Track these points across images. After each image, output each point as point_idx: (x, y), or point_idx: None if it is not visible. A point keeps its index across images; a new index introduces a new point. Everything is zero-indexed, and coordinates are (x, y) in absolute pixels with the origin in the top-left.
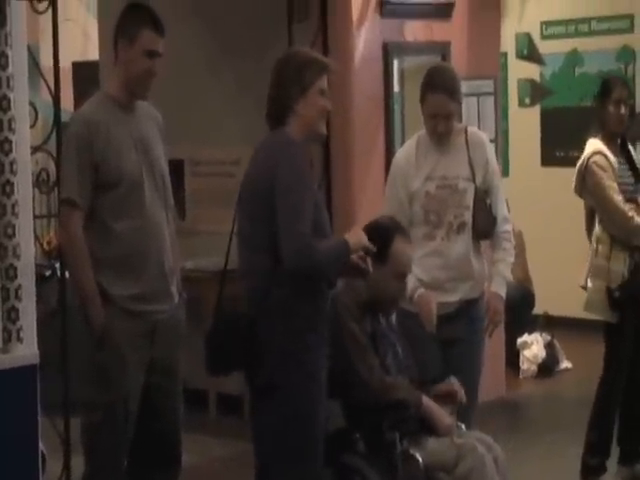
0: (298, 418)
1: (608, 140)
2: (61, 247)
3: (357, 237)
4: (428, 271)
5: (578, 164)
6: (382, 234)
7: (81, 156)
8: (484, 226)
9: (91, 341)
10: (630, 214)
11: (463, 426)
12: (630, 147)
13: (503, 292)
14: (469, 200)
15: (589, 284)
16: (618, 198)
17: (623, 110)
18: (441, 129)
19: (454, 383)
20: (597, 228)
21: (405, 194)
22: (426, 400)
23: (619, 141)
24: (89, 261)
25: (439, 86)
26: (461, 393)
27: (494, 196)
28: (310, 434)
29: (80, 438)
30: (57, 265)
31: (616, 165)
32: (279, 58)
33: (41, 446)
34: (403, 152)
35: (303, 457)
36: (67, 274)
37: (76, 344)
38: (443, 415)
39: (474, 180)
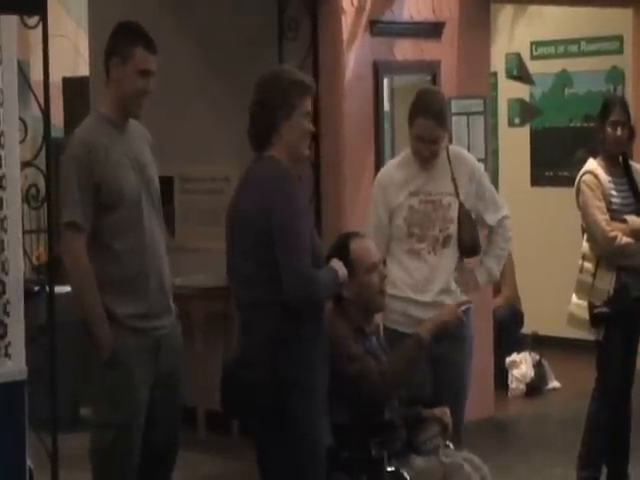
0: (309, 441)
1: (607, 160)
2: (67, 271)
3: (342, 268)
4: (417, 286)
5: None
6: (339, 253)
7: (81, 178)
8: (469, 240)
9: (98, 362)
10: (612, 234)
11: (451, 445)
12: (634, 167)
13: (482, 280)
14: (453, 214)
15: (573, 299)
16: (602, 217)
17: (620, 132)
18: (426, 153)
19: (446, 413)
20: (585, 245)
21: (384, 211)
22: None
23: (621, 161)
24: (95, 283)
25: (428, 112)
26: (450, 427)
27: (486, 196)
28: (318, 455)
29: (90, 459)
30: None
31: (608, 185)
32: (264, 76)
33: (29, 462)
34: (385, 170)
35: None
36: (58, 290)
37: (84, 364)
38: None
39: (457, 195)
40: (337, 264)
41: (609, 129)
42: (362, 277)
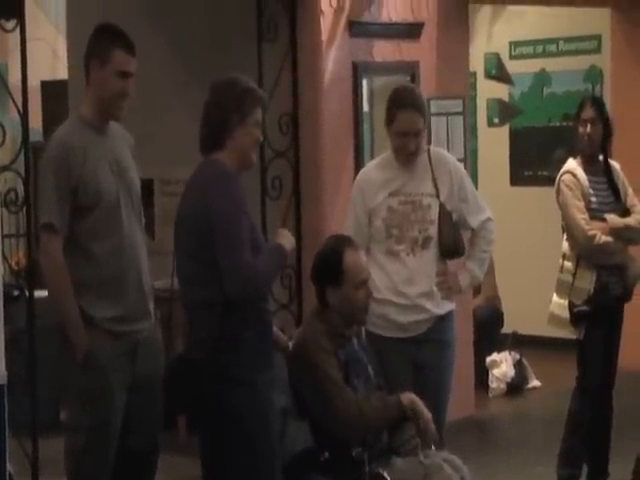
0: (252, 438)
1: (585, 159)
2: (42, 272)
3: (289, 239)
4: (396, 288)
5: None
6: (332, 259)
7: (59, 180)
8: (450, 241)
9: (74, 365)
10: (591, 233)
11: (433, 447)
12: (613, 166)
13: (464, 284)
14: (433, 215)
15: (553, 298)
16: (581, 216)
17: (589, 129)
18: (412, 147)
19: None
20: (565, 244)
21: (363, 212)
22: (404, 397)
23: (601, 159)
24: (71, 286)
25: (409, 104)
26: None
27: (469, 198)
28: (264, 454)
29: (64, 461)
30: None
31: (587, 184)
32: (220, 81)
33: (9, 467)
34: (365, 171)
35: (261, 477)
36: (37, 294)
37: (60, 367)
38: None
39: (438, 196)
40: (282, 233)
41: (579, 127)
42: (350, 290)
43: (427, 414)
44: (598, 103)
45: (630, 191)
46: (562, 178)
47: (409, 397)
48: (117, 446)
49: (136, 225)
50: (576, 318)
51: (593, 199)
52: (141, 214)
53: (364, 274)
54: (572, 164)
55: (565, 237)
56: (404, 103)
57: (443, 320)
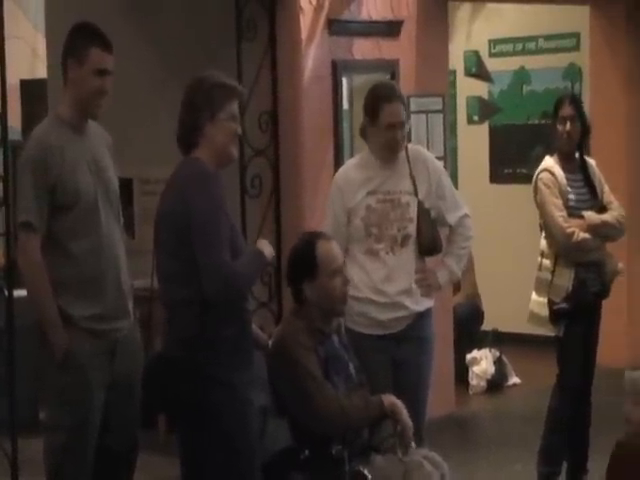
0: (231, 437)
1: (563, 157)
2: (20, 271)
3: (268, 249)
4: (376, 287)
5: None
6: (304, 252)
7: (37, 179)
8: (428, 239)
9: (52, 364)
10: (569, 230)
11: (413, 444)
12: (590, 163)
13: (443, 281)
14: (412, 213)
15: (533, 297)
16: (559, 214)
17: (568, 127)
18: (399, 138)
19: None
20: (543, 242)
21: (342, 211)
22: (385, 399)
23: (577, 157)
24: (49, 285)
25: (394, 96)
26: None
27: (447, 195)
28: (244, 451)
29: (44, 461)
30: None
31: (564, 182)
32: (191, 81)
33: None
34: (343, 170)
35: (241, 476)
36: (16, 294)
37: (38, 366)
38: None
39: (416, 194)
40: (262, 243)
41: (558, 125)
42: (325, 280)
43: (406, 419)
44: (576, 101)
45: (606, 188)
46: (540, 176)
47: (390, 400)
48: (96, 445)
49: (114, 224)
50: (555, 316)
51: (571, 196)
52: (119, 214)
53: (338, 261)
54: (549, 162)
55: (543, 235)
56: (389, 96)
57: (422, 317)
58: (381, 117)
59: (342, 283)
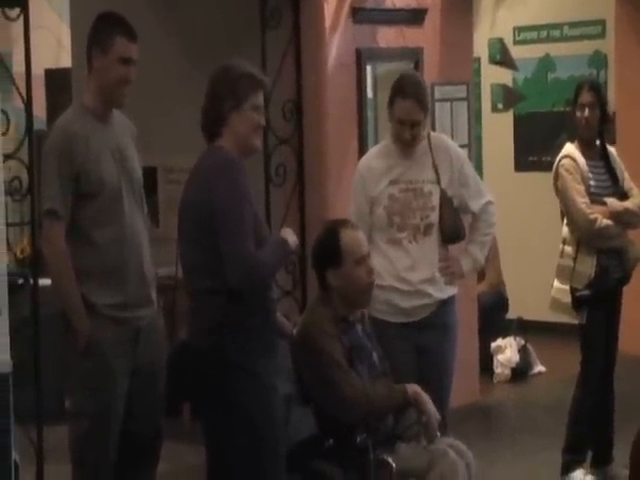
0: (255, 425)
1: (583, 144)
2: (44, 259)
3: (292, 238)
4: (399, 275)
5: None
6: (329, 240)
7: (61, 167)
8: (451, 227)
9: (76, 351)
10: (592, 217)
11: (438, 433)
12: (610, 150)
13: (466, 269)
14: (435, 201)
15: (555, 284)
16: (581, 200)
17: (587, 113)
18: (407, 136)
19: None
20: (564, 229)
21: (365, 200)
22: (409, 388)
23: (598, 144)
24: (73, 272)
25: (410, 93)
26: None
27: (470, 182)
28: (268, 439)
29: (69, 448)
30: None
31: (586, 168)
32: (216, 70)
33: (14, 454)
34: (365, 159)
35: (265, 465)
36: (41, 283)
37: (62, 354)
38: (429, 400)
39: (439, 182)
40: (286, 231)
41: (578, 112)
42: (349, 268)
43: (431, 409)
44: (595, 88)
45: (627, 175)
46: (561, 162)
47: (414, 389)
48: (120, 433)
49: (138, 213)
50: (578, 303)
51: (592, 183)
52: (143, 203)
53: (362, 250)
54: (570, 148)
55: (565, 222)
56: (405, 92)
57: (445, 304)
58: (394, 110)
59: (367, 272)
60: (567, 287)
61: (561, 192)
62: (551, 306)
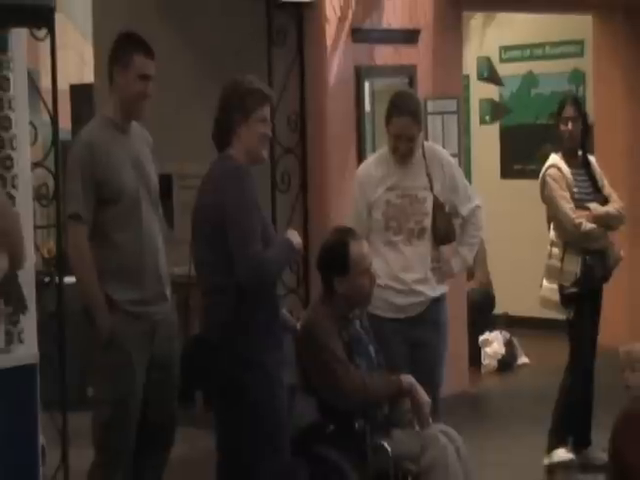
0: (262, 412)
1: (567, 154)
2: (69, 259)
3: (297, 239)
4: (394, 275)
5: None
6: (338, 251)
7: (84, 175)
8: (443, 230)
9: (98, 344)
10: (578, 221)
11: (430, 420)
12: (591, 160)
13: (457, 269)
14: (428, 207)
15: (544, 283)
16: (568, 206)
17: (570, 126)
18: (403, 149)
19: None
20: (552, 233)
21: (363, 204)
22: (404, 378)
23: (580, 154)
24: (95, 271)
25: (404, 110)
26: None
27: (459, 188)
28: (274, 426)
29: (91, 433)
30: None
31: (570, 176)
32: (226, 84)
33: (41, 439)
34: (364, 166)
35: (271, 449)
36: (66, 281)
37: (85, 347)
38: (422, 390)
39: (432, 189)
40: (291, 233)
41: (561, 125)
42: (356, 278)
43: (423, 398)
44: (577, 102)
45: (606, 182)
46: (548, 172)
47: (408, 380)
48: (138, 419)
49: (154, 217)
50: (566, 299)
51: (576, 190)
52: (159, 207)
53: (367, 261)
54: (555, 158)
55: (551, 226)
56: (400, 109)
57: (437, 301)
58: (390, 126)
59: (370, 280)
60: (555, 286)
61: (548, 199)
62: (541, 304)
